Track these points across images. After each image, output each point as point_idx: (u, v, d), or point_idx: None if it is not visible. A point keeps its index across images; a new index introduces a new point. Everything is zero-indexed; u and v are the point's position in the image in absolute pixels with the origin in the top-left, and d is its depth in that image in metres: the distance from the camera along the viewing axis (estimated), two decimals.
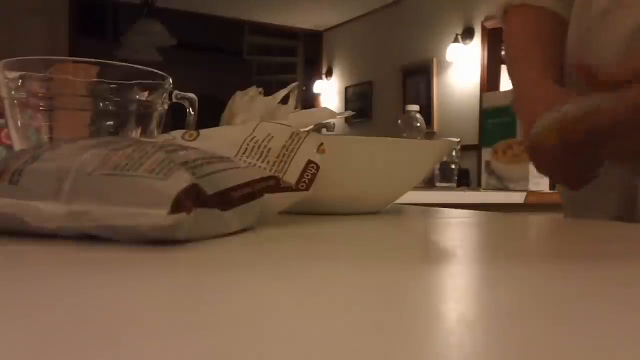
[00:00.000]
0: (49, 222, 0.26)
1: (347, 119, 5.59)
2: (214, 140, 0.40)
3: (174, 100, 0.54)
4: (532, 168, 1.63)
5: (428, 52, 4.71)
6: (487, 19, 4.15)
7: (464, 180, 2.83)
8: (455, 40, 4.35)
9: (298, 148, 0.39)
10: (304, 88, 6.11)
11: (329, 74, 6.08)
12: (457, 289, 0.18)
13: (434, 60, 4.64)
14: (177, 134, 0.42)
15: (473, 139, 3.93)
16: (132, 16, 5.08)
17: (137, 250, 0.24)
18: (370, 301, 0.16)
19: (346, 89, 5.81)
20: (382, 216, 0.47)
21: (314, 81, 6.17)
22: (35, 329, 0.12)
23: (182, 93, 0.55)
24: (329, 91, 6.03)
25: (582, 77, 0.49)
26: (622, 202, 0.63)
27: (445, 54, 4.48)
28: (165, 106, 0.53)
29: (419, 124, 2.54)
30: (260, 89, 0.57)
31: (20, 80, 0.47)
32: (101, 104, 0.49)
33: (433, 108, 4.62)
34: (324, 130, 2.32)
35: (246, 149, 0.39)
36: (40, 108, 0.48)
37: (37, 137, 0.48)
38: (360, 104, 5.53)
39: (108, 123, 0.49)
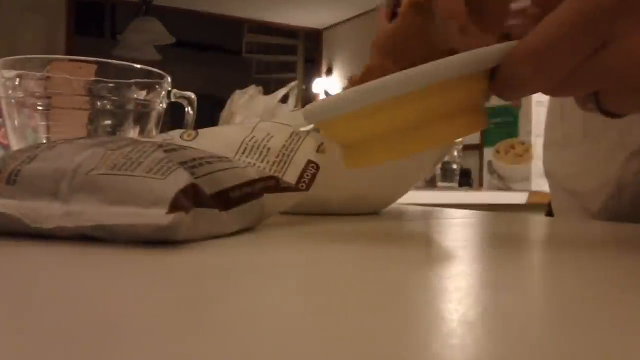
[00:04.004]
0: (47, 222, 0.26)
1: None
2: (213, 139, 0.40)
3: (172, 99, 0.54)
4: (534, 168, 1.62)
5: None
6: None
7: (465, 180, 2.82)
8: None
9: (298, 148, 0.39)
10: (303, 87, 6.12)
11: (329, 72, 6.08)
12: (459, 289, 0.18)
13: None
14: (175, 133, 0.42)
15: (475, 139, 3.92)
16: (130, 14, 5.08)
17: (135, 251, 0.23)
18: (372, 302, 0.16)
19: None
20: (383, 216, 0.47)
21: (314, 80, 6.17)
22: (33, 329, 0.12)
23: (180, 92, 0.54)
24: (329, 90, 6.03)
25: None
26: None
27: None
28: (164, 105, 0.53)
29: None
30: (260, 88, 0.57)
31: (17, 79, 0.47)
32: (99, 103, 0.48)
33: None
34: None
35: (245, 148, 0.39)
36: (38, 107, 0.47)
37: (34, 136, 0.48)
38: None
39: (106, 122, 0.49)
